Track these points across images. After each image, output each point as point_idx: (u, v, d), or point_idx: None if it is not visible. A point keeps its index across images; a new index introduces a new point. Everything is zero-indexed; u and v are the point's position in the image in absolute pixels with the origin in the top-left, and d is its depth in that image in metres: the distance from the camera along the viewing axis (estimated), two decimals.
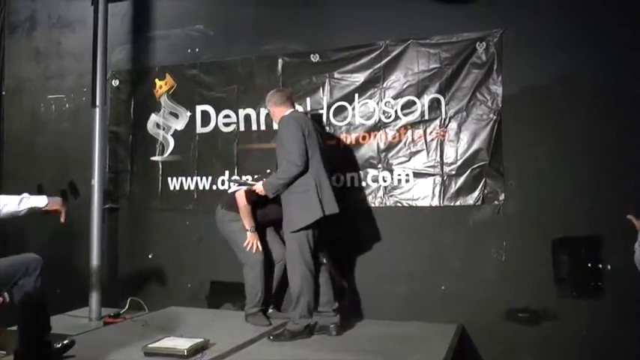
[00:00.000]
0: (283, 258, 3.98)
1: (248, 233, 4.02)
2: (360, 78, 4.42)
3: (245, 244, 4.02)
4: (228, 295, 4.64)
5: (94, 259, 4.41)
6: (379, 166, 4.36)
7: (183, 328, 3.92)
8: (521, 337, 3.99)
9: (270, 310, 4.28)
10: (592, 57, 3.87)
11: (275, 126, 4.54)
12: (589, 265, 3.91)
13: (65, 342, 3.37)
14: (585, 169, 3.90)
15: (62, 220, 3.28)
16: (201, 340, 3.46)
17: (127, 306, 4.56)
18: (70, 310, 4.69)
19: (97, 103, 4.51)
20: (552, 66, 3.96)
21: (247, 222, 4.01)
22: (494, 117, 4.10)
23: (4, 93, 5.67)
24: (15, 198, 3.17)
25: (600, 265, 3.89)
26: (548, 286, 3.95)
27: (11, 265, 3.17)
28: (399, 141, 4.33)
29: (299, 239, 3.67)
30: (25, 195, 3.20)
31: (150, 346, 3.37)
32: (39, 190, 5.38)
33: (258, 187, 3.79)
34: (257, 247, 4.02)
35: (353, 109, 4.44)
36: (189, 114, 4.93)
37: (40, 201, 3.22)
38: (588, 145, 3.89)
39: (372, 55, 4.39)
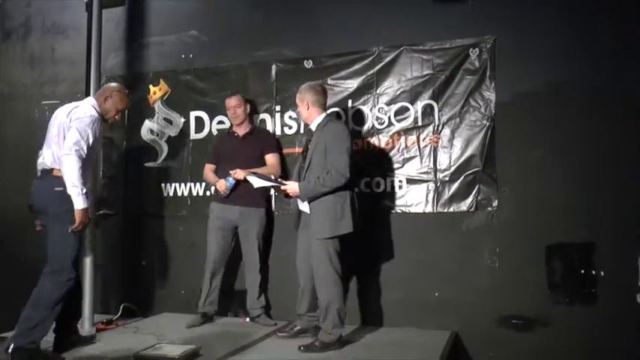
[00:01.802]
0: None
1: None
2: (353, 84, 4.42)
3: None
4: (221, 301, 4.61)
5: (87, 266, 4.39)
6: (372, 172, 4.36)
7: (175, 335, 3.92)
8: (515, 344, 3.97)
9: (248, 320, 4.37)
10: (584, 63, 3.88)
11: (271, 130, 4.61)
12: (583, 271, 3.90)
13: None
14: (579, 175, 3.91)
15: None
16: (193, 346, 3.46)
17: (119, 312, 4.54)
18: None
19: None
20: (545, 72, 3.96)
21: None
22: (488, 123, 4.10)
23: None
24: (78, 183, 3.34)
25: (594, 272, 3.88)
26: (541, 292, 3.94)
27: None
28: (393, 147, 4.33)
29: (329, 246, 3.59)
30: (82, 189, 3.35)
31: (141, 353, 3.36)
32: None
33: (292, 189, 3.63)
34: None
35: (346, 115, 4.44)
36: (183, 120, 4.93)
37: (78, 204, 3.35)
38: (582, 151, 3.90)
39: (366, 62, 4.39)
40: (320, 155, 3.62)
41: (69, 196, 3.35)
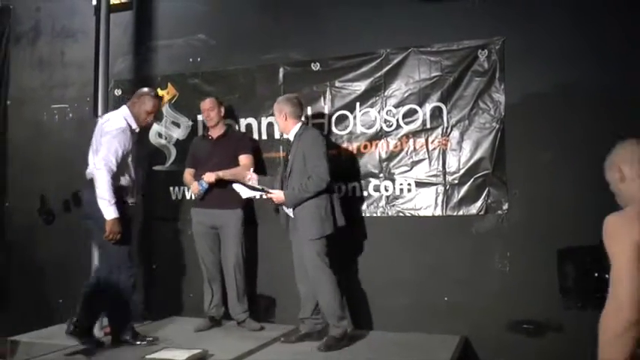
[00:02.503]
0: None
1: None
2: (361, 86, 4.40)
3: None
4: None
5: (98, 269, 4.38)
6: (381, 175, 4.32)
7: (183, 339, 3.91)
8: (525, 349, 3.91)
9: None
10: (594, 64, 3.82)
11: (278, 135, 4.59)
12: (595, 275, 3.83)
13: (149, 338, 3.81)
14: (590, 177, 3.79)
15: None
16: (200, 350, 3.45)
17: None
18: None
19: (100, 112, 4.48)
20: (555, 73, 3.91)
21: None
22: (497, 125, 4.05)
23: (9, 102, 5.70)
24: (107, 195, 3.58)
25: (607, 276, 3.80)
26: (553, 296, 3.87)
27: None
28: (401, 150, 4.29)
29: (319, 246, 3.75)
30: (110, 200, 3.58)
31: (148, 357, 3.36)
32: (41, 201, 5.42)
33: (278, 197, 3.81)
34: None
35: (354, 117, 4.41)
36: (190, 123, 4.93)
37: (107, 214, 3.58)
38: (592, 152, 3.77)
39: (373, 64, 4.36)
40: (300, 163, 3.79)
41: (119, 206, 3.61)
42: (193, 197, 4.47)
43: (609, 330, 1.90)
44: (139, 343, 3.77)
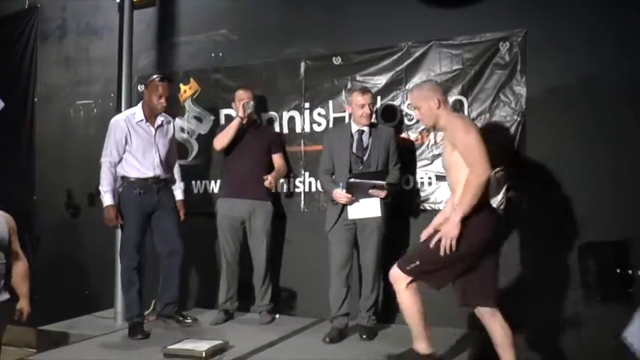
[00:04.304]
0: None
1: None
2: (382, 80, 4.39)
3: None
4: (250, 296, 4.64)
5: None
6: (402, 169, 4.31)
7: (204, 330, 3.96)
8: (546, 344, 3.88)
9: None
10: (618, 55, 3.75)
11: (299, 129, 4.63)
12: (617, 270, 3.78)
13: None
14: (613, 171, 3.79)
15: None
16: (221, 342, 3.48)
17: (151, 307, 4.59)
18: (96, 311, 4.81)
19: (123, 108, 4.56)
20: (577, 65, 3.85)
21: None
22: (519, 118, 4.01)
23: (36, 99, 5.83)
24: (103, 184, 3.86)
25: (630, 271, 3.76)
26: (574, 291, 3.84)
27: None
28: (422, 143, 4.28)
29: None
30: (105, 190, 3.83)
31: (169, 347, 3.40)
32: (68, 196, 5.52)
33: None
34: None
35: (375, 111, 4.41)
36: (212, 118, 4.97)
37: (104, 201, 3.85)
38: (615, 146, 3.78)
39: (394, 57, 4.35)
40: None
41: (124, 193, 3.90)
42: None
43: None
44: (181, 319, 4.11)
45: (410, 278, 3.05)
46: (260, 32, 4.83)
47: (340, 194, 3.78)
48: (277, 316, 4.40)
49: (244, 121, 4.25)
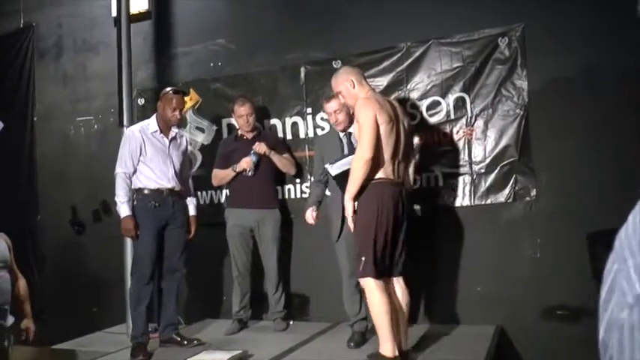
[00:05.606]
0: None
1: None
2: (383, 81, 4.40)
3: None
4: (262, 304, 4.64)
5: (129, 276, 4.46)
6: None
7: (219, 341, 3.95)
8: (560, 336, 3.89)
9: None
10: (617, 46, 3.78)
11: (303, 134, 4.63)
12: None
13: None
14: (618, 160, 3.81)
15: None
16: (240, 351, 3.47)
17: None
18: (107, 327, 4.78)
19: (125, 122, 4.53)
20: (578, 57, 3.88)
21: None
22: (521, 112, 4.04)
23: (35, 118, 5.81)
24: (118, 195, 3.81)
25: None
26: (585, 282, 3.83)
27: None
28: (426, 142, 4.29)
29: None
30: (121, 201, 3.78)
31: (189, 359, 3.39)
32: (72, 213, 5.51)
33: None
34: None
35: None
36: (215, 128, 4.97)
37: (121, 212, 3.80)
38: (619, 135, 3.80)
39: (394, 58, 4.36)
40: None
41: (139, 206, 3.82)
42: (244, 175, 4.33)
43: None
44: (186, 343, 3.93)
45: (370, 278, 3.03)
46: (258, 39, 4.84)
47: (307, 216, 4.01)
48: (291, 322, 4.41)
49: (249, 173, 4.30)
